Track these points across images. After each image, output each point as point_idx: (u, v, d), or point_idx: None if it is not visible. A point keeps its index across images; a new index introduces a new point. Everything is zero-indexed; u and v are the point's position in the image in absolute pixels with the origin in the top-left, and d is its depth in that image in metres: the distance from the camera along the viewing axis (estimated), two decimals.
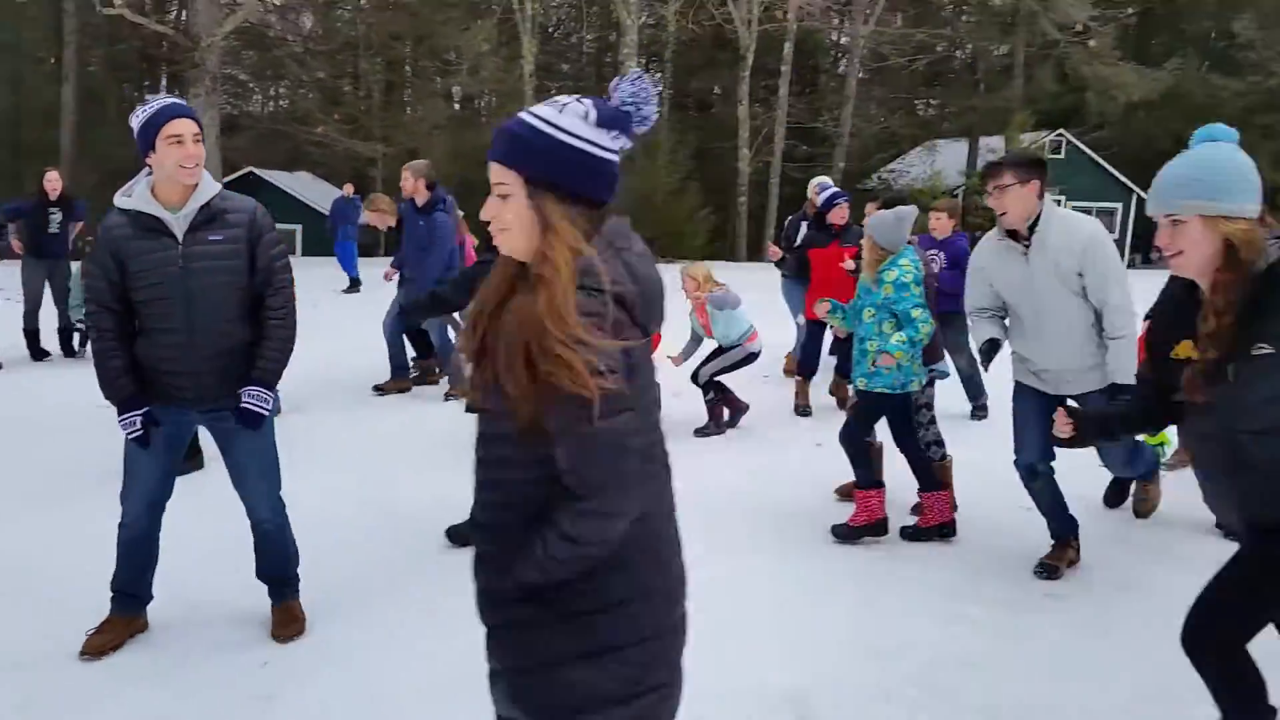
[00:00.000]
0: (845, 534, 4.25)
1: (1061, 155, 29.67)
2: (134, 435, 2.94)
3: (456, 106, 29.31)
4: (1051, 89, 29.65)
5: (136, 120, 2.90)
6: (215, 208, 2.97)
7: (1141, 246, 29.49)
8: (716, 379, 6.09)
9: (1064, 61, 29.04)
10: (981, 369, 4.17)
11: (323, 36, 29.79)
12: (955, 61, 32.26)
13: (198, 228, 2.94)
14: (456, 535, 4.02)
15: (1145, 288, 3.28)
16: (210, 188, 2.97)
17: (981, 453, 4.95)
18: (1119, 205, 30.91)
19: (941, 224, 6.35)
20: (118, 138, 34.04)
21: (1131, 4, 31.60)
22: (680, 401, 6.28)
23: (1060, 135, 29.95)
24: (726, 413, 6.16)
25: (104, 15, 21.17)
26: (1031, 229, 3.58)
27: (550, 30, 30.80)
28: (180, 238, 2.92)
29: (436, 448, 5.39)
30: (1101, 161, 30.47)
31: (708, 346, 6.25)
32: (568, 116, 1.48)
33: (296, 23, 29.78)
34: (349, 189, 16.17)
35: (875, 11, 26.13)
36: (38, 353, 8.15)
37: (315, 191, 26.69)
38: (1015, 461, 3.86)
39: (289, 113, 32.78)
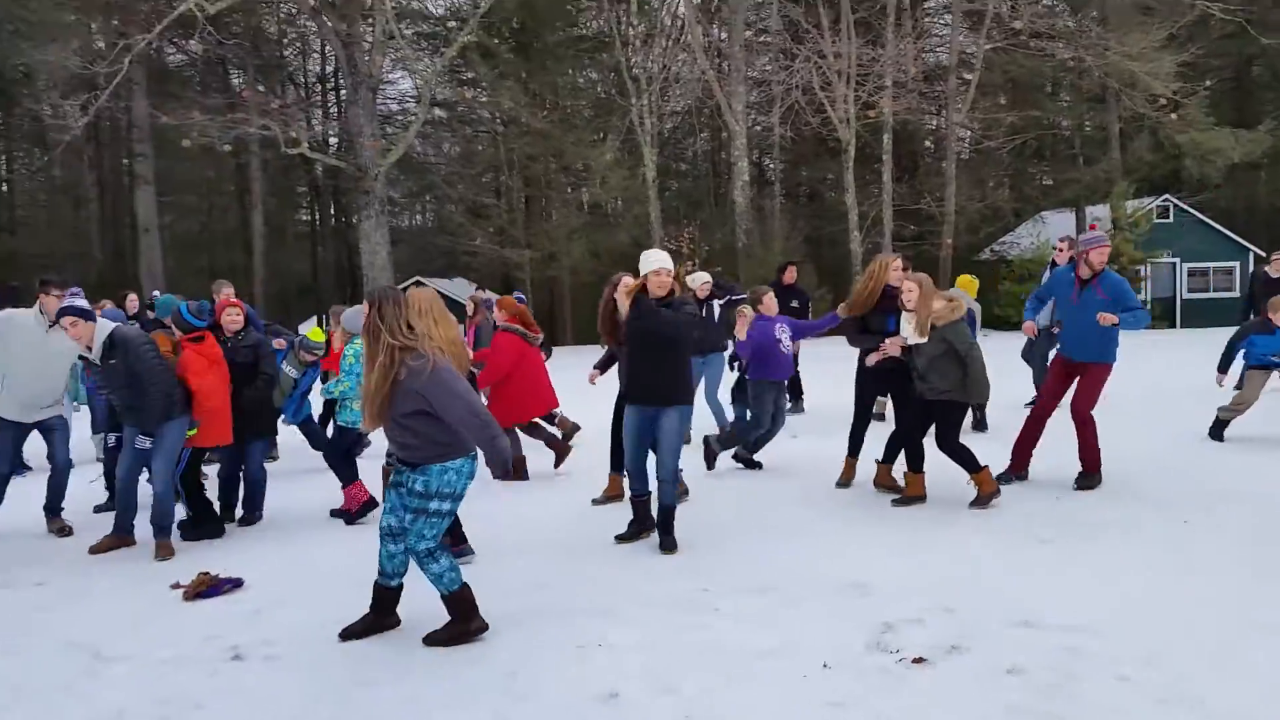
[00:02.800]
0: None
1: (1170, 219, 30.60)
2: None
3: (587, 212, 32.41)
4: (1148, 158, 30.70)
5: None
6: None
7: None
8: None
9: (1157, 131, 30.14)
10: None
11: (467, 160, 33.57)
12: (1053, 137, 33.63)
13: None
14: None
15: None
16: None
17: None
18: (1235, 264, 31.37)
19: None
20: (294, 259, 38.72)
21: (1212, 74, 32.50)
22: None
23: (1167, 200, 30.87)
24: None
25: (285, 154, 24.87)
26: None
27: (666, 136, 33.76)
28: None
29: None
30: (1211, 223, 31.13)
31: None
32: None
33: (445, 151, 33.73)
34: (485, 292, 19.13)
35: (966, 103, 27.99)
36: None
37: (465, 293, 30.04)
38: None
39: (438, 226, 36.64)
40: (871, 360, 6.70)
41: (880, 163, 27.96)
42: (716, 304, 8.81)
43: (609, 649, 4.18)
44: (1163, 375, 12.68)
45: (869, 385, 7.01)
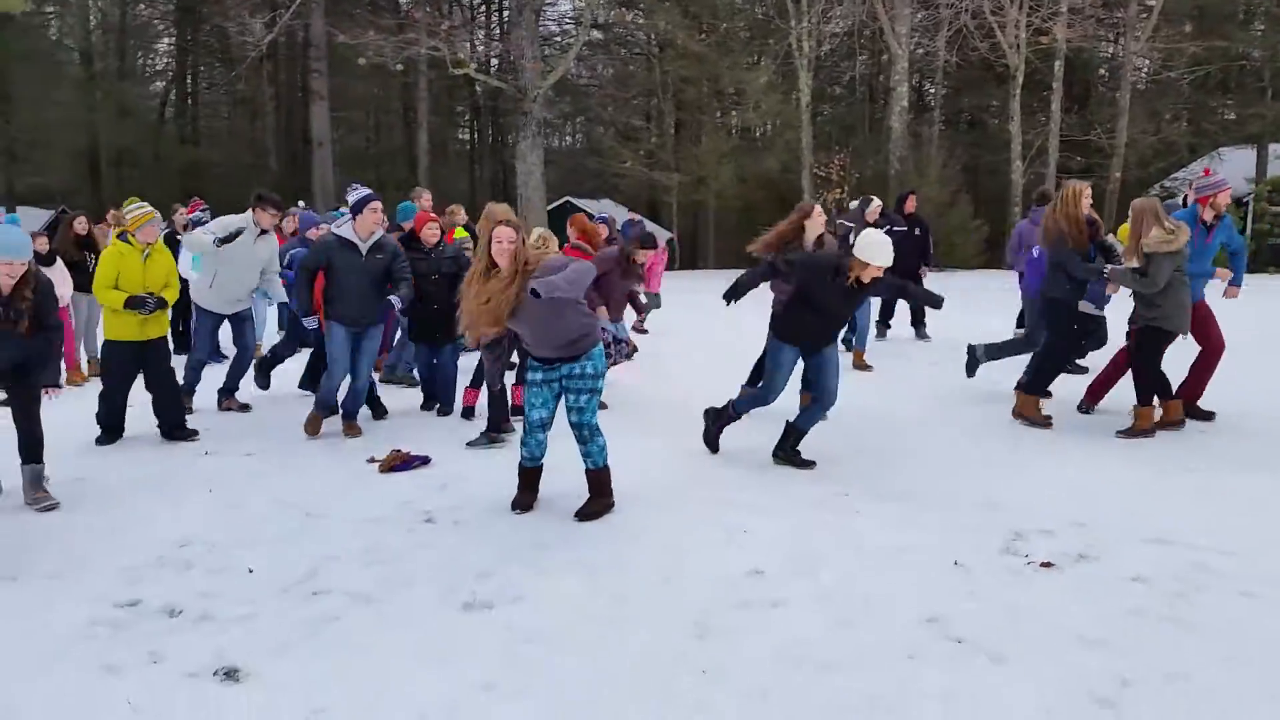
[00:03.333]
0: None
1: None
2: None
3: (738, 137, 32.30)
4: None
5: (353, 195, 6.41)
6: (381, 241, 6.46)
7: None
8: None
9: None
10: None
11: (621, 83, 33.80)
12: (1242, 69, 31.20)
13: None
14: None
15: None
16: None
17: None
18: None
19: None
20: (455, 173, 40.12)
21: None
22: None
23: None
24: None
25: (450, 74, 25.71)
26: None
27: (823, 59, 33.06)
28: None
29: None
30: None
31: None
32: None
33: (600, 73, 34.05)
34: (635, 215, 19.64)
35: (1146, 30, 26.28)
36: None
37: (620, 215, 30.57)
38: None
39: (589, 148, 37.18)
40: (1109, 292, 6.82)
41: (1050, 91, 26.75)
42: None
43: (754, 535, 4.61)
44: None
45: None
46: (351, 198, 6.52)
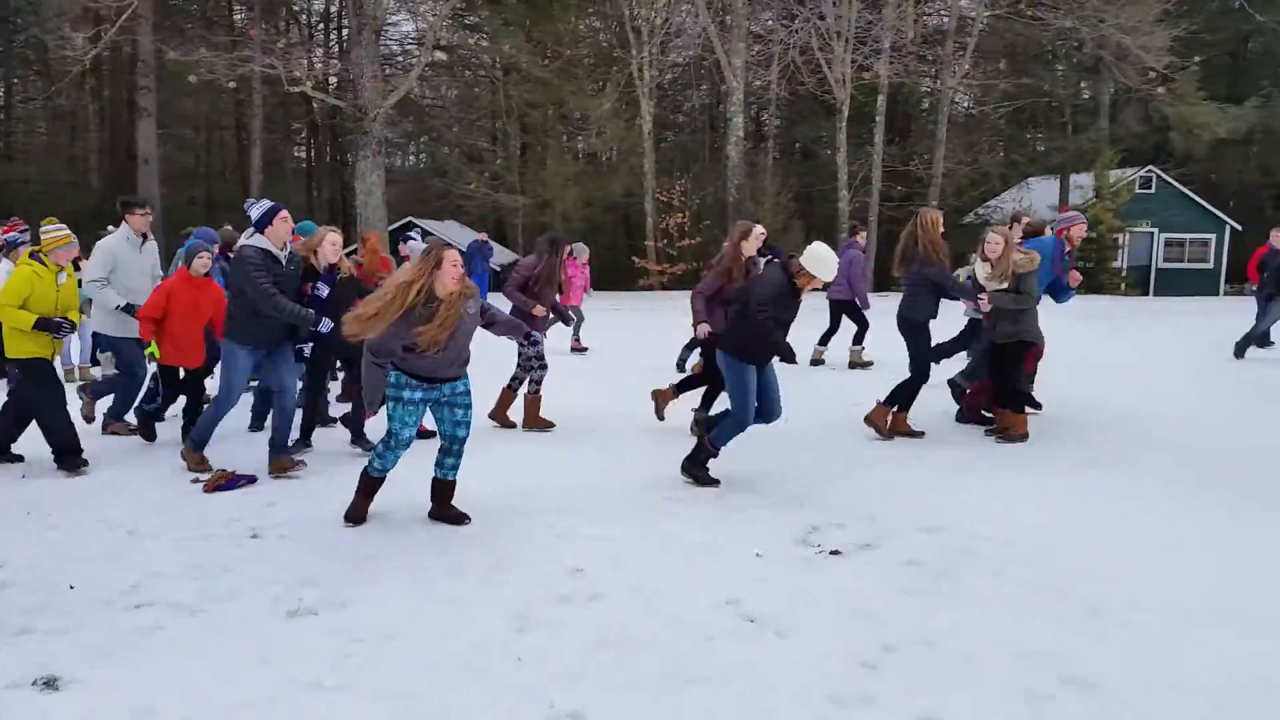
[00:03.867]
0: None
1: (1152, 190, 31.28)
2: None
3: (582, 161, 32.89)
4: (1136, 129, 31.24)
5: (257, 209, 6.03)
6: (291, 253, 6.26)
7: (1236, 276, 30.58)
8: None
9: (1148, 103, 30.64)
10: None
11: (465, 105, 33.87)
12: (1048, 105, 34.07)
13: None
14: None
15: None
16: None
17: None
18: (1212, 236, 32.10)
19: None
20: (292, 192, 39.06)
21: (1207, 48, 32.88)
22: None
23: (1150, 171, 31.51)
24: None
25: (285, 91, 25.19)
26: None
27: (665, 88, 34.06)
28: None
29: None
30: (1192, 195, 31.79)
31: None
32: None
33: (443, 94, 34.03)
34: (483, 235, 19.89)
35: (960, 69, 28.39)
36: None
37: (463, 236, 30.49)
38: None
39: (433, 168, 36.98)
40: (984, 311, 7.07)
41: (874, 124, 28.44)
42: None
43: (581, 539, 4.92)
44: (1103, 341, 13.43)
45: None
46: (257, 210, 6.11)
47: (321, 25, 38.87)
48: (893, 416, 7.25)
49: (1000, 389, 7.17)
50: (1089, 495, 5.72)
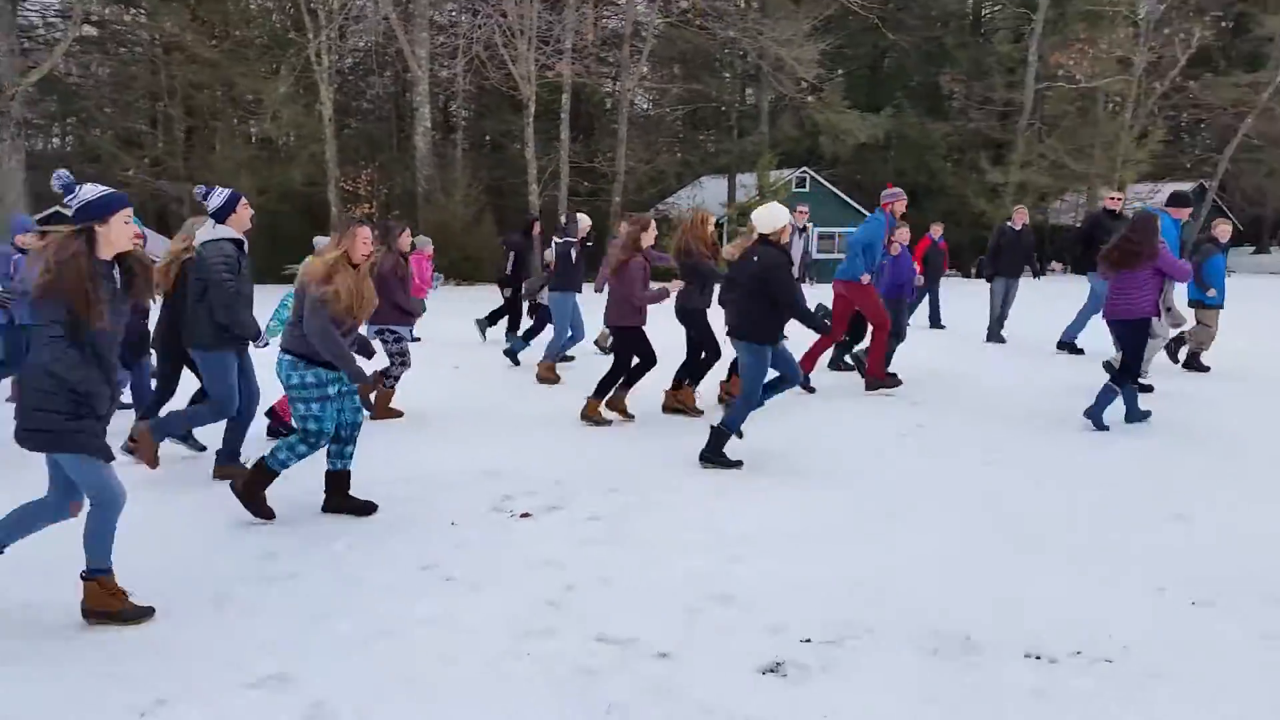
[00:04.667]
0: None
1: (807, 189, 34.78)
2: None
3: (257, 146, 31.16)
4: (792, 134, 34.64)
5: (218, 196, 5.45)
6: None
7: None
8: None
9: (800, 110, 34.06)
10: None
11: (120, 85, 30.92)
12: (714, 109, 36.88)
13: None
14: None
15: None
16: None
17: None
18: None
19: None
20: None
21: (850, 62, 37.17)
22: None
23: (805, 172, 35.05)
24: None
25: None
26: None
27: (346, 75, 33.05)
28: None
29: None
30: (840, 194, 35.73)
31: None
32: None
33: (93, 72, 30.87)
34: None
35: (638, 71, 30.05)
36: None
37: None
38: None
39: (83, 153, 33.41)
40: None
41: (560, 120, 29.36)
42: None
43: (272, 526, 4.96)
44: None
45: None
46: (217, 199, 5.49)
47: None
48: (672, 393, 7.92)
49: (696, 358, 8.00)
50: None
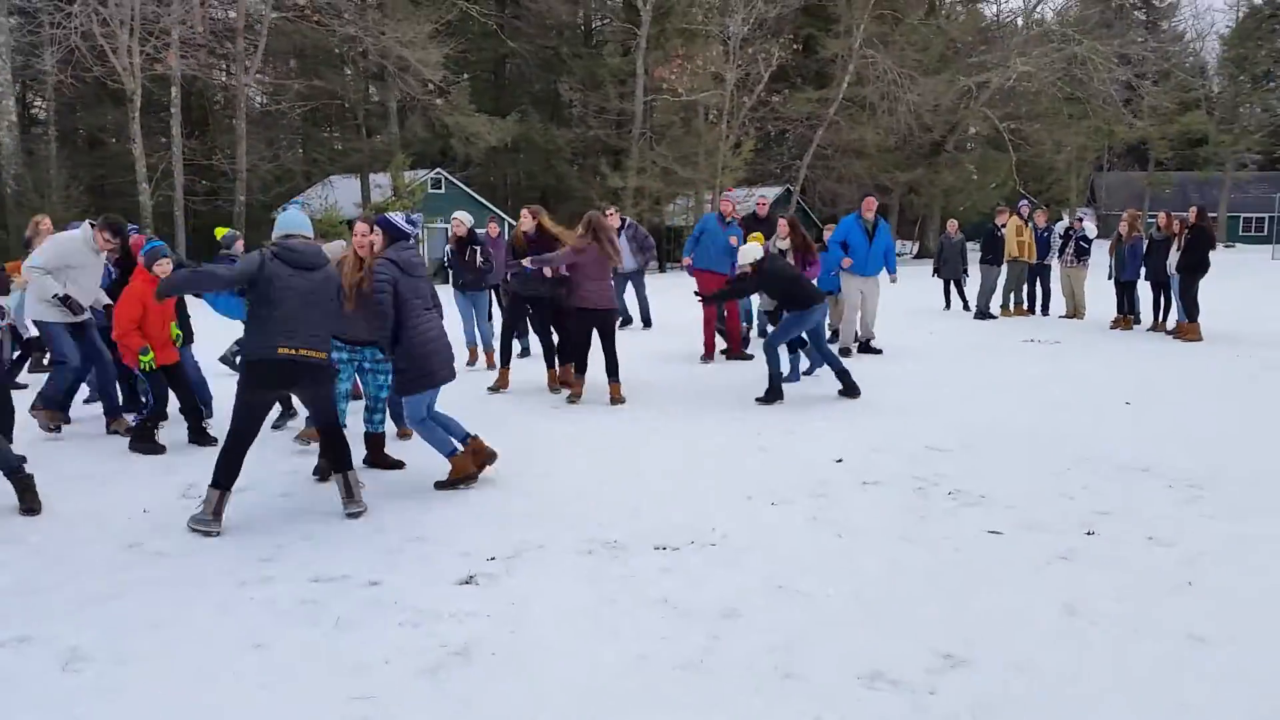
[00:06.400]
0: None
1: (443, 190, 35.40)
2: None
3: None
4: (422, 135, 35.13)
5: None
6: None
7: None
8: None
9: (429, 111, 34.65)
10: None
11: None
12: (338, 107, 36.30)
13: None
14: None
15: None
16: None
17: None
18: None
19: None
20: None
21: (474, 66, 38.37)
22: None
23: (439, 173, 35.65)
24: None
25: None
26: None
27: None
28: None
29: None
30: (475, 194, 36.74)
31: None
32: None
33: None
34: None
35: (254, 65, 29.02)
36: None
37: None
38: None
39: None
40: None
41: (169, 115, 27.55)
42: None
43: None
44: None
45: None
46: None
47: None
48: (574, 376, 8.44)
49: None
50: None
